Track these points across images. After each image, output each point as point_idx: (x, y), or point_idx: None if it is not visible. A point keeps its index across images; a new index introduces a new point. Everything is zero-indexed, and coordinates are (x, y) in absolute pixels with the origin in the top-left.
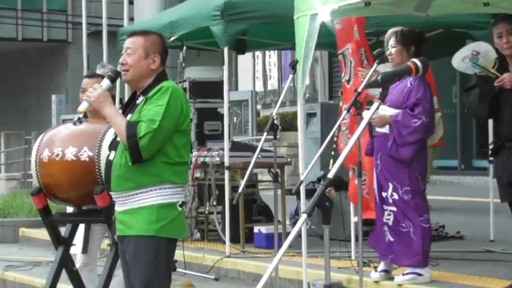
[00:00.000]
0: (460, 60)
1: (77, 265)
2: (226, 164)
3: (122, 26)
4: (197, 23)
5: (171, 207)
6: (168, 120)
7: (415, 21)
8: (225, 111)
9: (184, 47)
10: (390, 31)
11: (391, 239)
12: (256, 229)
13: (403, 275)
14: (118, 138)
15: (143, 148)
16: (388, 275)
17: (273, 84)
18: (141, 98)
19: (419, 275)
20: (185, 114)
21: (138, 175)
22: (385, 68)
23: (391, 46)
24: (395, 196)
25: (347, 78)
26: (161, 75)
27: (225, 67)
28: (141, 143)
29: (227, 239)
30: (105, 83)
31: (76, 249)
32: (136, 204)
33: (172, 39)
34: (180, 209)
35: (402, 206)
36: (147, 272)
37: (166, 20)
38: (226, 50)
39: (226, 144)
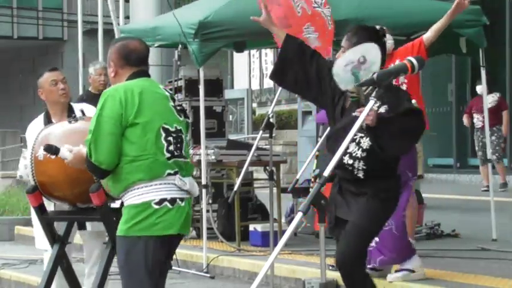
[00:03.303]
0: (343, 65)
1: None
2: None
3: (118, 24)
4: (173, 38)
5: (144, 206)
6: (105, 123)
7: (409, 21)
8: (201, 120)
9: (180, 46)
10: None
11: (377, 239)
12: (251, 227)
13: (396, 272)
14: None
15: (97, 162)
16: (378, 272)
17: (269, 82)
18: None
19: (412, 271)
20: (130, 107)
21: (113, 185)
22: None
23: None
24: None
25: None
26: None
27: (201, 86)
28: (92, 159)
29: (203, 238)
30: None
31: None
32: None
33: (154, 46)
34: (156, 206)
35: None
36: (122, 271)
37: (151, 25)
38: (201, 70)
39: (203, 148)
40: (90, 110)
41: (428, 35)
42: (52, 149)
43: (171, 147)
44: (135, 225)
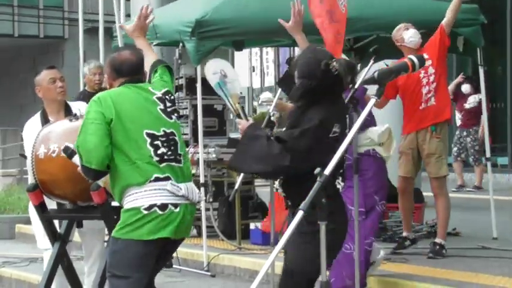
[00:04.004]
0: (211, 72)
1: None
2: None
3: (119, 21)
4: (171, 36)
5: (134, 211)
6: (89, 125)
7: (411, 20)
8: (199, 118)
9: (180, 44)
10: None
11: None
12: (252, 226)
13: None
14: None
15: (87, 163)
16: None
17: (270, 80)
18: None
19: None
20: (109, 109)
21: (113, 190)
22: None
23: None
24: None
25: None
26: None
27: (199, 85)
28: (83, 161)
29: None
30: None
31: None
32: None
33: (153, 44)
34: (145, 212)
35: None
36: (107, 271)
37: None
38: (199, 68)
39: (201, 146)
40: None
41: (446, 19)
42: (68, 152)
43: (161, 151)
44: (123, 228)
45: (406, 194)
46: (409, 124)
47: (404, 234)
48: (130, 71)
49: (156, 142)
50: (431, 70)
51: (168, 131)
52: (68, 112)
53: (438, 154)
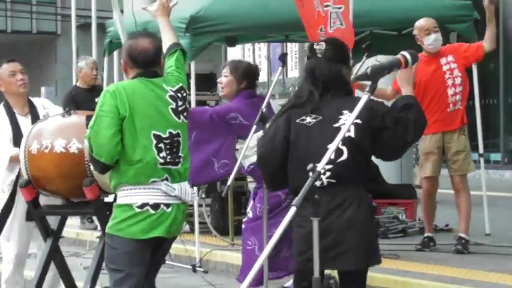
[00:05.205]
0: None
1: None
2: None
3: (111, 18)
4: None
5: (126, 207)
6: (103, 118)
7: (406, 17)
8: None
9: None
10: (228, 61)
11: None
12: None
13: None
14: None
15: (97, 155)
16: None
17: (262, 76)
18: None
19: None
20: (122, 104)
21: (109, 179)
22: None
23: (224, 75)
24: (250, 214)
25: None
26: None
27: (192, 81)
28: (93, 153)
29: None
30: None
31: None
32: None
33: None
34: (138, 210)
35: (253, 222)
36: (105, 261)
37: (143, 19)
38: (193, 64)
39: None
40: (52, 107)
41: (486, 46)
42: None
43: (162, 154)
44: (116, 224)
45: (432, 195)
46: (434, 124)
47: (430, 234)
48: (144, 63)
49: (160, 145)
50: (456, 72)
51: (174, 132)
52: (31, 107)
53: (467, 151)
